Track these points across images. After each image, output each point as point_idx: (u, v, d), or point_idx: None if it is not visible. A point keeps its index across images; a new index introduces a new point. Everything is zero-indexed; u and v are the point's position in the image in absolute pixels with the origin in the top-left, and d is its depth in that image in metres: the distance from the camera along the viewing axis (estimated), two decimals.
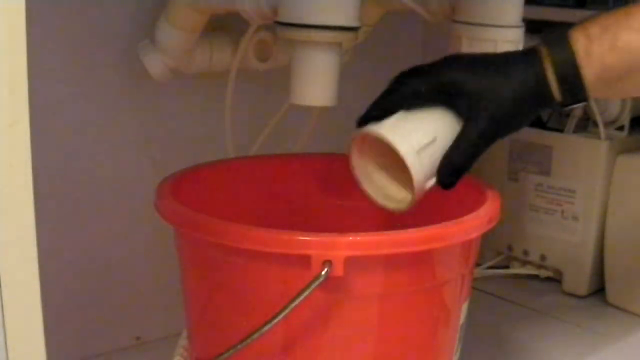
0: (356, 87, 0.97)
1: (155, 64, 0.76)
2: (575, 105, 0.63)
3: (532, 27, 0.81)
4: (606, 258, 1.00)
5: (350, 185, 0.67)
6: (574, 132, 1.03)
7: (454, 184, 0.62)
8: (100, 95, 0.78)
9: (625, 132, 1.00)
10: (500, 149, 1.06)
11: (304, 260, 0.56)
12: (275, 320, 0.56)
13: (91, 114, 0.78)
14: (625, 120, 0.99)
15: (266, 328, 0.56)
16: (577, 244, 1.01)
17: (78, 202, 0.79)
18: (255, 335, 0.56)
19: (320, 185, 0.80)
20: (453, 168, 0.62)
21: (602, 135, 0.98)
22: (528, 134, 1.04)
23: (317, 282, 0.55)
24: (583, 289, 1.02)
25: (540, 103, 0.62)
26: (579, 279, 1.02)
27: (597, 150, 0.98)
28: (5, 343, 0.42)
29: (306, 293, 0.55)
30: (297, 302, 0.55)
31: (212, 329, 0.66)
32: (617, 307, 0.99)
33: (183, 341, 0.74)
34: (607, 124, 0.99)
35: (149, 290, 0.86)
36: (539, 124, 1.08)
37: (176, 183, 0.69)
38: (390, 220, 0.70)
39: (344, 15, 0.62)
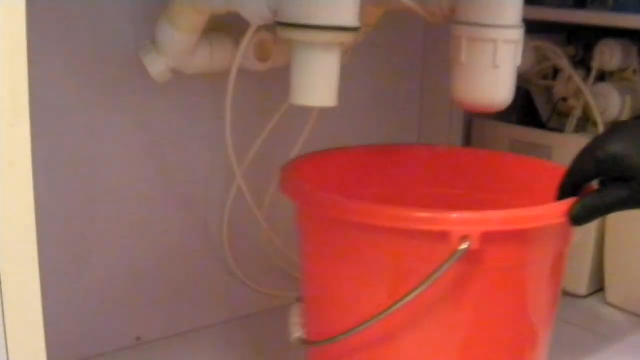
0: (356, 87, 0.98)
1: (155, 64, 0.76)
2: None
3: (532, 27, 0.81)
4: (606, 258, 1.00)
5: (454, 175, 0.80)
6: (574, 132, 1.03)
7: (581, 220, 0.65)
8: (100, 95, 0.78)
9: None
10: (500, 148, 1.06)
11: (442, 236, 0.61)
12: (417, 292, 0.61)
13: (91, 113, 0.78)
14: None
15: (407, 299, 0.61)
16: (577, 244, 1.01)
17: (78, 202, 0.79)
18: (397, 306, 0.62)
19: (425, 174, 0.84)
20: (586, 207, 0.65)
21: None
22: (528, 134, 1.04)
23: (457, 256, 0.60)
24: (583, 289, 1.02)
25: None
26: (579, 279, 1.02)
27: None
28: (6, 343, 0.42)
29: (447, 265, 0.60)
30: (438, 274, 0.61)
31: (337, 305, 0.69)
32: (617, 307, 0.99)
33: (295, 318, 0.75)
34: (607, 124, 0.99)
35: (149, 290, 0.86)
36: (539, 124, 1.09)
37: (297, 168, 0.73)
38: (488, 205, 0.75)
39: (344, 15, 0.62)
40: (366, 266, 0.66)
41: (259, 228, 0.91)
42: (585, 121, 1.03)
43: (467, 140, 1.11)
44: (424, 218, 0.62)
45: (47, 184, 0.74)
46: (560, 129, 1.04)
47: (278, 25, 0.64)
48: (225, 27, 0.79)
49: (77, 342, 0.80)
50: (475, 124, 1.10)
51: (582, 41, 1.05)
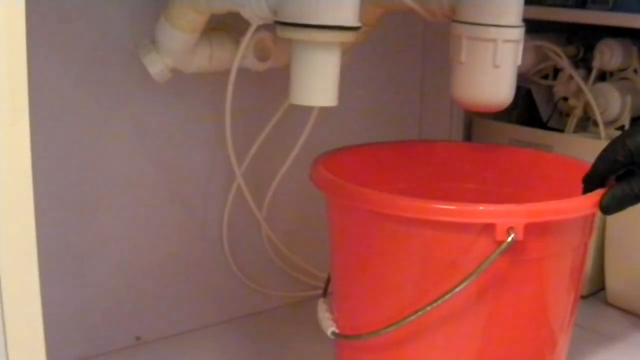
0: (356, 87, 0.97)
1: (155, 64, 0.76)
2: None
3: (532, 27, 0.81)
4: (606, 258, 1.00)
5: (480, 171, 0.84)
6: (574, 132, 1.03)
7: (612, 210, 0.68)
8: (100, 95, 0.78)
9: None
10: None
11: (486, 229, 0.63)
12: (464, 284, 0.63)
13: (91, 113, 0.78)
14: (626, 120, 0.99)
15: (455, 291, 0.63)
16: None
17: (77, 202, 0.79)
18: (445, 298, 0.64)
19: (452, 169, 0.87)
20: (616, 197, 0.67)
21: (602, 135, 0.98)
22: (528, 134, 1.04)
23: (503, 247, 0.63)
24: (583, 289, 1.01)
25: None
26: None
27: (598, 150, 0.97)
28: (5, 343, 0.42)
29: (493, 257, 0.63)
30: (485, 266, 0.63)
31: (376, 299, 0.70)
32: (617, 307, 0.99)
33: (325, 313, 0.75)
34: (607, 124, 0.99)
35: (149, 290, 0.86)
36: (539, 123, 1.08)
37: (326, 163, 0.74)
38: (511, 199, 0.80)
39: (344, 15, 0.62)
40: (406, 260, 0.68)
41: (259, 228, 0.91)
42: (586, 121, 1.03)
43: (468, 140, 1.10)
44: (469, 211, 0.64)
45: (47, 184, 0.74)
46: (560, 129, 1.04)
47: (278, 24, 0.64)
48: (225, 27, 0.79)
49: (77, 342, 0.80)
50: (475, 124, 1.10)
51: (582, 41, 1.05)
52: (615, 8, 0.96)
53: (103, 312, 0.83)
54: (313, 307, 0.77)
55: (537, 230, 0.64)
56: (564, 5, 1.01)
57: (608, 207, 0.67)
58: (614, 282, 1.00)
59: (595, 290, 1.02)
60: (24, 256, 0.42)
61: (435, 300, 0.64)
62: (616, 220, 0.98)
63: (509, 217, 0.63)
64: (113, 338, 0.84)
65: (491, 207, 0.65)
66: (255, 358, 0.86)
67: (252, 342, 0.89)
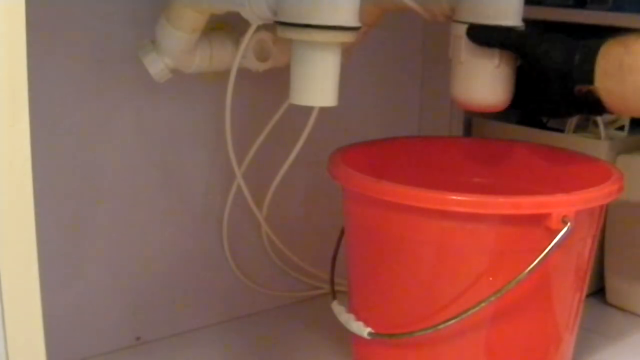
0: (356, 87, 0.98)
1: (155, 64, 0.76)
2: None
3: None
4: (606, 258, 1.00)
5: (487, 166, 0.87)
6: (574, 132, 1.03)
7: None
8: (100, 95, 0.78)
9: (625, 132, 0.99)
10: None
11: (541, 218, 0.65)
12: (522, 276, 0.64)
13: (91, 113, 0.78)
14: (626, 120, 0.99)
15: (520, 278, 0.65)
16: None
17: (78, 202, 0.79)
18: (509, 286, 0.65)
19: (455, 165, 0.89)
20: None
21: (603, 135, 0.98)
22: (528, 134, 1.04)
23: (561, 236, 0.64)
24: None
25: None
26: None
27: (598, 150, 0.98)
28: (6, 343, 0.42)
29: (553, 245, 0.64)
30: (546, 254, 0.64)
31: (424, 296, 0.71)
32: (617, 307, 0.99)
33: (347, 315, 0.74)
34: (608, 124, 0.99)
35: (149, 290, 0.86)
36: (539, 124, 1.08)
37: (342, 157, 0.76)
38: (517, 191, 0.80)
39: (344, 15, 0.62)
40: (455, 255, 0.68)
41: (259, 228, 0.92)
42: (586, 121, 1.03)
43: None
44: (527, 203, 0.66)
45: (47, 184, 0.74)
46: (560, 129, 1.04)
47: (278, 24, 0.64)
48: (225, 27, 0.79)
49: (77, 342, 0.80)
50: (475, 124, 1.10)
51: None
52: (615, 8, 0.96)
53: (103, 312, 0.83)
54: (313, 307, 0.77)
55: (584, 214, 0.67)
56: (564, 5, 1.01)
57: None
58: (614, 283, 1.00)
59: (596, 290, 1.02)
60: (24, 256, 0.42)
61: (493, 295, 0.65)
62: (616, 220, 0.98)
63: (562, 206, 0.65)
64: (113, 338, 0.84)
65: (547, 197, 0.67)
66: (255, 358, 0.86)
67: (252, 342, 0.89)
